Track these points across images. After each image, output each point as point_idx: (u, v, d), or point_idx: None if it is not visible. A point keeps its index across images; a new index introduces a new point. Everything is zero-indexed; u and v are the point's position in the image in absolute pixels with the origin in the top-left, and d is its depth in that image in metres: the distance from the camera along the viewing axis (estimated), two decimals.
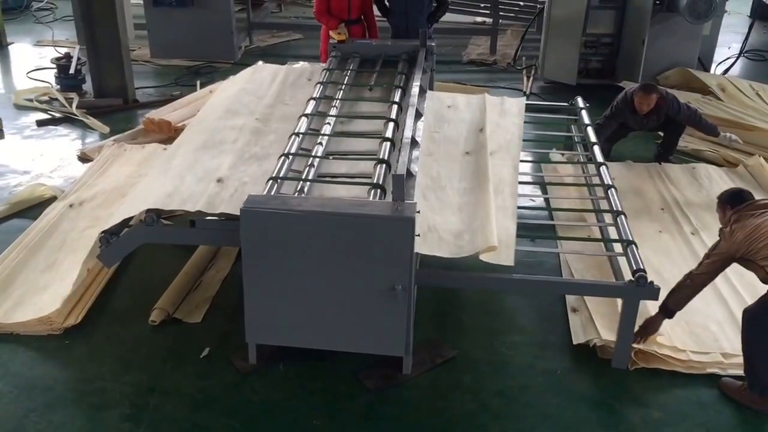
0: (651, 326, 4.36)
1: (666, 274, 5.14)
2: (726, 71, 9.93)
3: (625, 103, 6.68)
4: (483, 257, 4.22)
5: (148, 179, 4.97)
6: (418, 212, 3.98)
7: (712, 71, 9.65)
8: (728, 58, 10.20)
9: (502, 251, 4.26)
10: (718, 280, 5.12)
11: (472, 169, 5.11)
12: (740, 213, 4.15)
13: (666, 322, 4.67)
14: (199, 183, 4.63)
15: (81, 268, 4.65)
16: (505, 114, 5.98)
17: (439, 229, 4.41)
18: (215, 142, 5.19)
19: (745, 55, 10.54)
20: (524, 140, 5.67)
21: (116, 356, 4.50)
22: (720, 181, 6.69)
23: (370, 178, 4.43)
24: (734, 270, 5.20)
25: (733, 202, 4.27)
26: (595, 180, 5.49)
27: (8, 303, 4.85)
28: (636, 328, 4.35)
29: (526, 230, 5.64)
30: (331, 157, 4.85)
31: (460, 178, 4.99)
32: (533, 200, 6.25)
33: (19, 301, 4.86)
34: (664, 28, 8.56)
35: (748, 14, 12.43)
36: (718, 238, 4.24)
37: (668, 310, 4.31)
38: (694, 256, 5.39)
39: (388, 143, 4.77)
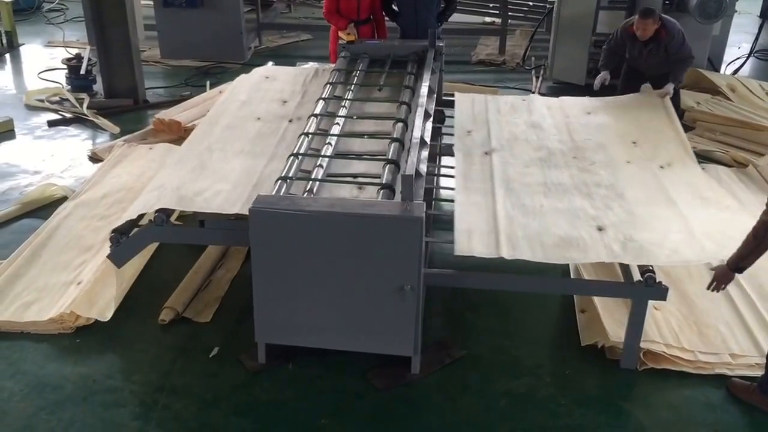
0: (723, 278, 4.09)
1: (673, 275, 5.14)
2: (736, 71, 9.89)
3: (624, 30, 6.79)
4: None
5: (160, 178, 4.98)
6: (426, 212, 3.99)
7: (722, 71, 9.63)
8: (738, 58, 10.17)
9: None
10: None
11: (642, 178, 5.14)
12: None
13: (675, 324, 4.68)
14: (214, 184, 4.65)
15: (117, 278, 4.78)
16: (648, 110, 6.07)
17: (637, 239, 4.37)
18: (228, 143, 5.22)
19: (755, 55, 10.50)
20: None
21: (126, 355, 4.53)
22: (729, 181, 6.66)
23: (379, 178, 4.44)
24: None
25: None
26: None
27: (18, 302, 4.89)
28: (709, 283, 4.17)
29: None
30: (340, 157, 4.87)
31: (634, 186, 5.01)
32: None
33: (29, 301, 4.90)
34: None
35: (759, 14, 12.37)
36: None
37: (739, 268, 4.04)
38: None
39: (397, 143, 4.78)
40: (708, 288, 4.10)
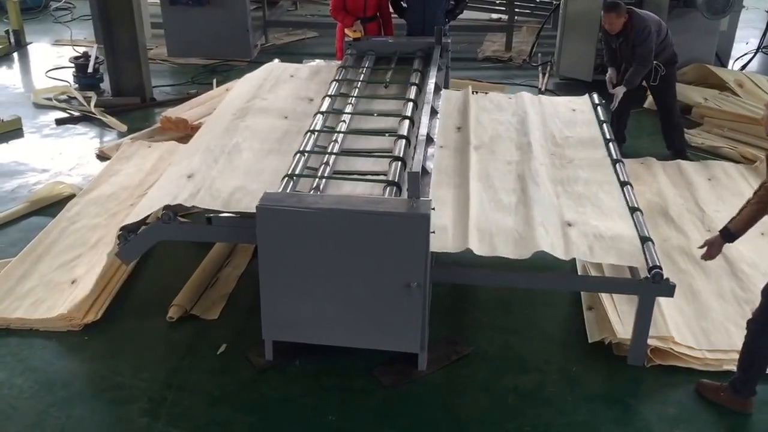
0: (713, 248, 4.10)
1: (681, 272, 5.14)
2: (744, 67, 9.85)
3: (602, 24, 6.80)
4: None
5: (165, 177, 5.00)
6: (433, 209, 4.00)
7: (729, 67, 9.60)
8: (746, 54, 10.12)
9: None
10: (736, 284, 5.08)
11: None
12: None
13: (682, 322, 4.67)
14: (217, 181, 4.66)
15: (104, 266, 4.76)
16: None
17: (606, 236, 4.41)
18: (231, 139, 5.22)
19: (763, 50, 10.43)
20: None
21: (134, 352, 4.55)
22: (738, 178, 6.65)
23: (386, 175, 4.44)
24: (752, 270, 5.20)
25: None
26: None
27: (30, 299, 4.91)
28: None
29: None
30: (346, 154, 4.87)
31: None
32: None
33: (39, 298, 4.92)
34: (682, 24, 8.50)
35: (766, 9, 12.32)
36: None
37: (729, 233, 4.04)
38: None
39: (404, 140, 4.79)
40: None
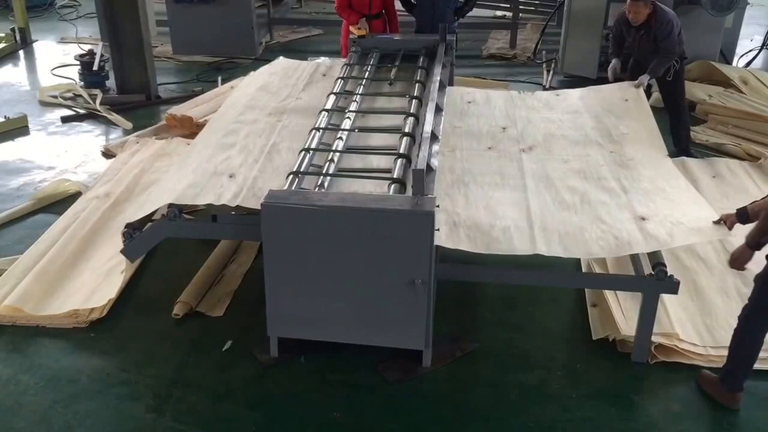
0: (742, 257, 3.95)
1: (686, 269, 5.14)
2: (748, 64, 9.85)
3: (621, 15, 6.80)
4: None
5: (169, 175, 5.02)
6: (438, 206, 4.00)
7: (734, 64, 9.60)
8: (751, 51, 10.11)
9: None
10: (740, 280, 5.08)
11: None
12: None
13: (686, 319, 4.67)
14: (220, 178, 4.67)
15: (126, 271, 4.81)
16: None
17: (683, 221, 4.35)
18: (237, 137, 5.24)
19: None
20: None
21: (140, 349, 4.56)
22: (742, 175, 6.64)
23: (390, 172, 4.45)
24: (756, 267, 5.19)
25: None
26: None
27: (39, 294, 4.92)
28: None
29: None
30: (351, 152, 4.88)
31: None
32: None
33: (90, 289, 4.93)
34: (686, 21, 8.44)
35: None
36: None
37: (745, 213, 4.02)
38: (714, 250, 5.38)
39: (408, 138, 4.79)
40: (730, 266, 4.02)
